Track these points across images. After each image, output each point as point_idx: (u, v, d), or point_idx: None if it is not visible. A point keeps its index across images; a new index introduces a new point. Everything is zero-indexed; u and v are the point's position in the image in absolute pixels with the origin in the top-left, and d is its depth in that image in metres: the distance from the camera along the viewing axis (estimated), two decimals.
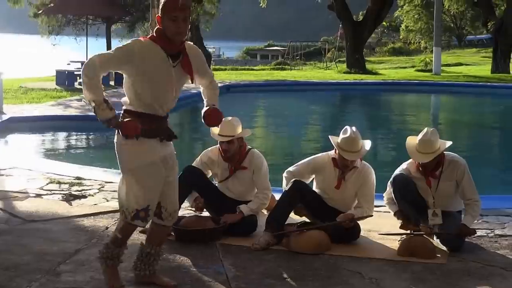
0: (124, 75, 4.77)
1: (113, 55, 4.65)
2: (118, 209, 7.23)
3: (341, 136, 6.43)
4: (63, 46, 32.86)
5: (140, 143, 4.70)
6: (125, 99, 4.82)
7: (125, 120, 4.66)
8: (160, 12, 4.68)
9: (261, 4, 39.13)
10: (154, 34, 4.74)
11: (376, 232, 6.59)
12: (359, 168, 6.52)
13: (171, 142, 4.96)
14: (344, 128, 6.50)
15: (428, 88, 27.33)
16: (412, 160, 6.54)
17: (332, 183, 6.54)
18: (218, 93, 5.29)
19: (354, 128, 6.47)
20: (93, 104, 4.55)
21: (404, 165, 6.62)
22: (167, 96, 4.81)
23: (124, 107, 4.81)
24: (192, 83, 4.97)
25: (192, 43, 5.03)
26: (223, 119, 6.56)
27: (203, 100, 5.20)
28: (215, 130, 6.63)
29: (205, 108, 5.12)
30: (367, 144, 6.50)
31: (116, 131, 4.73)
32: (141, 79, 4.69)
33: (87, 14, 30.71)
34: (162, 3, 4.68)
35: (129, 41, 4.82)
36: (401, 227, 6.43)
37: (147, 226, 5.11)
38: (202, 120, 5.09)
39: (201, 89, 5.21)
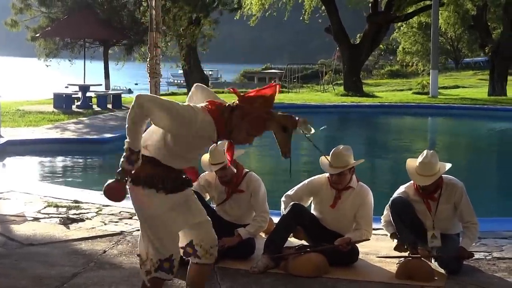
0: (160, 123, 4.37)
1: (175, 107, 4.28)
2: (116, 232, 7.30)
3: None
4: (61, 69, 32.88)
5: (155, 193, 4.43)
6: (148, 142, 4.48)
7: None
8: (240, 116, 4.38)
9: (249, 23, 39.12)
10: (220, 120, 4.38)
11: (374, 255, 6.59)
12: (356, 189, 6.53)
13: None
14: None
15: (425, 111, 27.41)
16: (410, 183, 6.54)
17: (329, 203, 6.55)
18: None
19: (346, 146, 6.51)
20: (130, 147, 4.24)
21: (402, 188, 6.61)
22: (192, 160, 4.68)
23: (144, 153, 4.41)
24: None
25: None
26: (210, 147, 6.43)
27: None
28: (206, 158, 6.58)
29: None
30: (357, 161, 6.53)
31: (129, 178, 4.36)
32: (183, 142, 4.38)
33: (84, 38, 30.81)
34: (250, 107, 4.41)
35: (197, 106, 4.44)
36: (395, 249, 6.41)
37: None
38: None
39: None
